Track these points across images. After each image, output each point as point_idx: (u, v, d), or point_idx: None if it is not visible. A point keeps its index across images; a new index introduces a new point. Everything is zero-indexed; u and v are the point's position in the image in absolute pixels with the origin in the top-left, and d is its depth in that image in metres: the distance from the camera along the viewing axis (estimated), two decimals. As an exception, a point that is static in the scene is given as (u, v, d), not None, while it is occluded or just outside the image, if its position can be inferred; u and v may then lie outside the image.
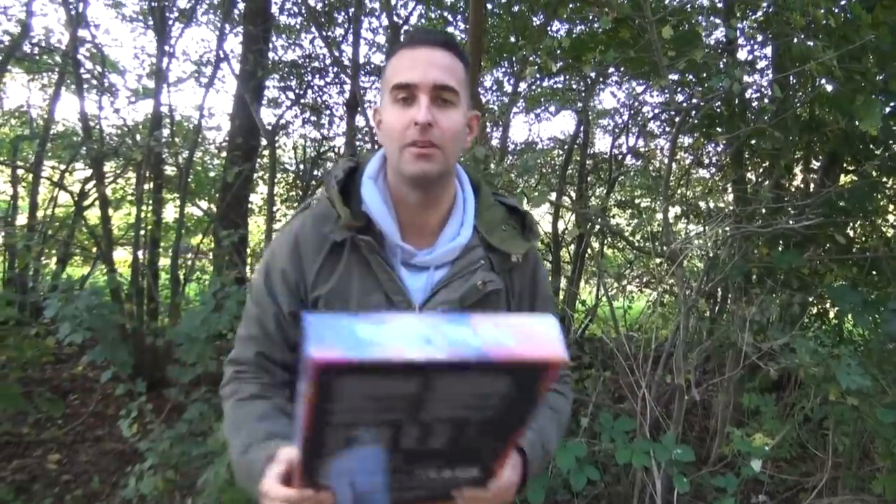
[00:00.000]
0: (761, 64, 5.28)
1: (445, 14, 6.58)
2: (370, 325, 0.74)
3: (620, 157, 7.08)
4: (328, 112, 7.13)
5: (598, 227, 5.67)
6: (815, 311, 4.60)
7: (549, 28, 5.54)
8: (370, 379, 0.73)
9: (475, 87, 4.65)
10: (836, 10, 3.60)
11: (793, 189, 4.89)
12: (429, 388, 0.76)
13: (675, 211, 5.23)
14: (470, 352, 0.74)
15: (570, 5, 5.09)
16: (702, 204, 5.27)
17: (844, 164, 4.71)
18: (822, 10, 3.06)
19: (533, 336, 0.77)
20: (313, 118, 7.12)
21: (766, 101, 4.61)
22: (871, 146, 4.20)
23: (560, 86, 6.70)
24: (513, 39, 5.79)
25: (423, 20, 7.00)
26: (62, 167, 6.49)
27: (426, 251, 1.29)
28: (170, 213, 6.02)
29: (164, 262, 5.68)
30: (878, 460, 3.39)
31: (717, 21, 4.44)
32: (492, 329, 0.77)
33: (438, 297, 1.26)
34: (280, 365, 1.32)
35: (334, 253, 1.27)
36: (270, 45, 6.55)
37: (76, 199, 6.10)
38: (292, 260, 1.29)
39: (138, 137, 5.48)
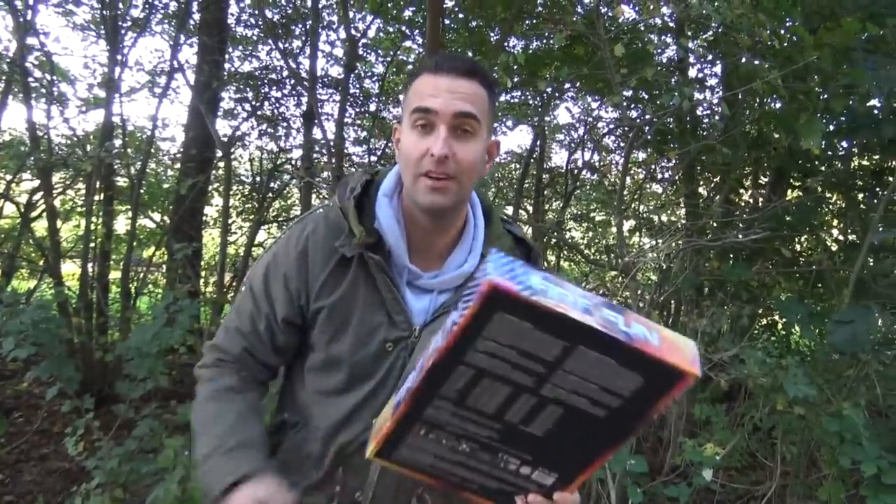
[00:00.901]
0: (711, 82, 5.44)
1: (403, 28, 6.61)
2: (543, 280, 0.79)
3: (576, 171, 7.18)
4: (285, 124, 7.07)
5: (554, 240, 5.73)
6: (764, 322, 4.72)
7: (505, 44, 5.61)
8: (527, 324, 0.78)
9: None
10: (783, 32, 3.73)
11: (742, 204, 5.03)
12: (569, 356, 0.80)
13: (629, 225, 5.33)
14: (622, 334, 0.78)
15: (526, 22, 5.16)
16: (655, 218, 5.37)
17: (791, 180, 4.86)
18: (768, 32, 3.16)
19: (677, 346, 0.81)
20: (270, 130, 7.06)
21: (716, 117, 4.74)
22: (816, 163, 4.35)
23: (516, 100, 6.77)
24: (470, 54, 5.83)
25: (381, 34, 7.01)
26: (8, 178, 6.30)
27: (432, 274, 1.29)
28: (121, 225, 5.89)
29: (115, 275, 5.56)
30: (824, 468, 3.49)
31: (669, 40, 4.56)
32: (642, 326, 0.81)
33: (436, 324, 1.25)
34: (262, 364, 1.35)
35: (341, 266, 1.27)
36: (226, 57, 6.48)
37: (22, 210, 5.93)
38: (298, 266, 1.29)
39: (89, 148, 5.35)
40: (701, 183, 5.25)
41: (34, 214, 5.59)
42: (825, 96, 3.70)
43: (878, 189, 4.28)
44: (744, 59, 3.69)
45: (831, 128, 4.15)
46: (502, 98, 6.50)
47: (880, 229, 3.44)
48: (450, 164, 1.17)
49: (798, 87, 3.50)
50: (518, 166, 7.79)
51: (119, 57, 5.31)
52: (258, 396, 1.36)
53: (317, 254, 1.28)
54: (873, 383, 3.29)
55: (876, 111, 3.90)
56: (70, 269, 6.07)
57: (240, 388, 1.31)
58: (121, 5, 5.46)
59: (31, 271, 6.73)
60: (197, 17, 6.29)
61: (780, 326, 4.73)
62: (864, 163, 4.74)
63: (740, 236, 3.80)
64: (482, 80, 1.22)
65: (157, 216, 6.42)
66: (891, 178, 3.63)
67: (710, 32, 4.42)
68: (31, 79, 5.06)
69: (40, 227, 5.87)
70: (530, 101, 6.80)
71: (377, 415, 1.18)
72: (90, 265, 5.15)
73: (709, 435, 3.55)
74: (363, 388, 1.27)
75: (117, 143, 5.46)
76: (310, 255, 1.28)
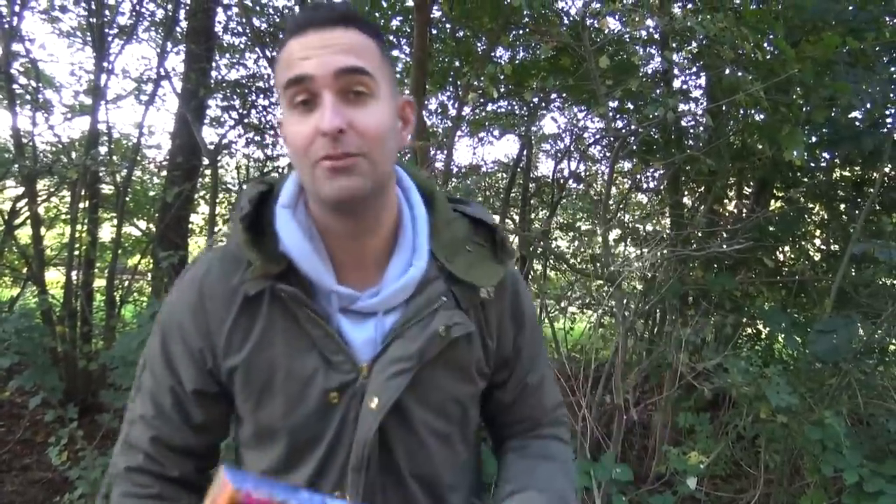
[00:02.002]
0: (696, 93, 5.49)
1: (391, 38, 6.63)
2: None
3: (562, 180, 7.22)
4: (272, 132, 7.07)
5: (540, 249, 5.76)
6: (748, 331, 4.76)
7: (493, 54, 5.64)
8: None
9: (419, 111, 4.70)
10: (765, 45, 3.79)
11: (726, 214, 5.08)
12: None
13: (614, 234, 5.36)
14: None
15: (513, 33, 5.20)
16: (640, 227, 5.41)
17: (774, 191, 4.92)
18: (751, 45, 3.20)
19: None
20: (257, 138, 7.05)
21: (700, 129, 4.79)
22: (798, 174, 4.40)
23: (503, 110, 6.81)
24: (457, 64, 5.86)
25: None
26: (-8, 184, 6.27)
27: (371, 292, 1.00)
28: (106, 232, 5.86)
29: (100, 283, 5.52)
30: (806, 476, 3.52)
31: (654, 52, 4.61)
32: None
33: (392, 352, 0.97)
34: (181, 451, 1.05)
35: (250, 308, 0.99)
36: (213, 64, 6.48)
37: (6, 217, 5.89)
38: (195, 320, 1.00)
39: (74, 155, 5.33)
40: (685, 193, 5.29)
41: (18, 222, 5.55)
42: (807, 108, 3.75)
43: (859, 200, 4.33)
44: (727, 72, 3.73)
45: (813, 139, 4.21)
46: (489, 108, 6.54)
47: (861, 240, 3.49)
48: (349, 137, 0.89)
49: (780, 99, 3.55)
50: (505, 175, 7.82)
51: (105, 64, 5.30)
52: None
53: (215, 299, 1.00)
54: (855, 392, 3.32)
55: (857, 123, 3.97)
56: (54, 277, 6.03)
57: None
58: (107, 13, 5.45)
59: (14, 279, 6.68)
60: (184, 24, 6.29)
61: (763, 336, 4.77)
62: (846, 174, 4.80)
63: (724, 246, 3.83)
64: (362, 26, 0.94)
65: (142, 224, 6.39)
66: (871, 190, 3.68)
67: (695, 45, 4.47)
68: (16, 85, 5.03)
69: (24, 235, 5.82)
70: (517, 111, 6.84)
71: (338, 488, 0.98)
72: (74, 273, 5.12)
73: (693, 443, 3.58)
74: (312, 459, 1.00)
75: (103, 150, 5.43)
76: (206, 301, 1.00)
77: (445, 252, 1.03)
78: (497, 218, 6.20)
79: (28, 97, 5.32)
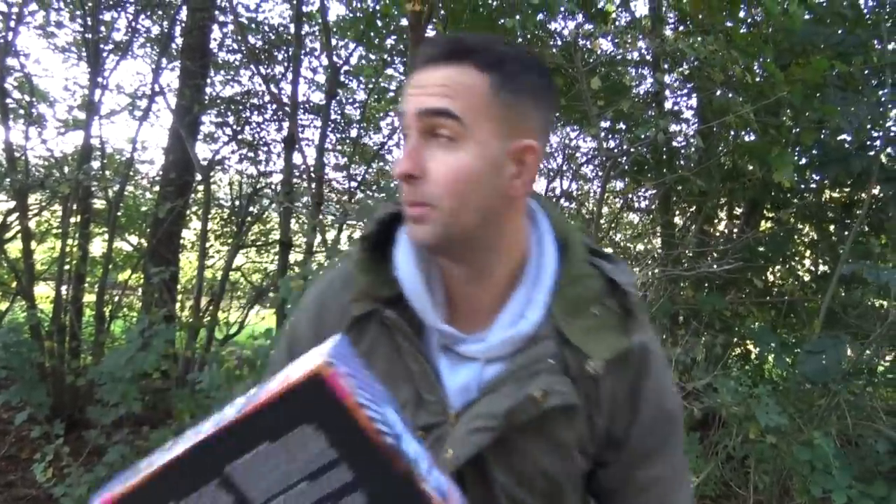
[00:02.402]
0: (687, 114, 5.55)
1: (385, 56, 6.68)
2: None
3: (555, 199, 7.24)
4: (266, 149, 7.09)
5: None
6: (737, 351, 4.77)
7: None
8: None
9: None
10: (755, 68, 3.84)
11: (717, 234, 5.11)
12: (234, 489, 0.60)
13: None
14: (230, 416, 0.60)
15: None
16: (631, 247, 5.43)
17: (764, 212, 4.96)
18: (741, 67, 3.25)
19: (297, 366, 0.62)
20: (250, 154, 7.07)
21: (691, 149, 4.83)
22: (788, 195, 4.44)
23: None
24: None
25: (363, 61, 7.08)
26: (-17, 198, 6.25)
27: (477, 337, 0.92)
28: (97, 247, 5.84)
29: (90, 298, 5.50)
30: (796, 497, 3.51)
31: (645, 73, 4.66)
32: (256, 389, 0.63)
33: (481, 406, 0.88)
34: None
35: (359, 326, 0.96)
36: (208, 81, 6.51)
37: (-3, 231, 5.87)
38: (313, 326, 1.01)
39: (66, 169, 5.33)
40: (676, 213, 5.33)
41: (8, 235, 5.52)
42: (796, 130, 3.80)
43: (848, 221, 4.37)
44: (718, 93, 3.78)
45: (803, 161, 4.25)
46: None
47: (850, 261, 3.51)
48: (421, 183, 0.84)
49: (770, 121, 3.59)
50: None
51: (100, 79, 5.32)
52: None
53: (331, 312, 0.99)
54: (843, 413, 3.33)
55: (847, 145, 4.01)
56: (44, 292, 6.00)
57: None
58: (103, 29, 5.48)
59: (3, 293, 6.63)
60: (179, 41, 6.32)
61: (753, 356, 4.78)
62: (836, 195, 4.84)
63: (715, 266, 3.86)
64: (477, 60, 0.85)
65: (134, 239, 6.38)
66: (860, 211, 3.72)
67: (686, 67, 4.53)
68: (9, 100, 5.04)
69: (14, 249, 5.80)
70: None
71: None
72: (64, 288, 5.10)
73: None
74: None
75: (95, 165, 5.44)
76: (324, 314, 1.00)
77: (565, 310, 0.91)
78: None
79: (21, 111, 5.32)
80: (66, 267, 5.09)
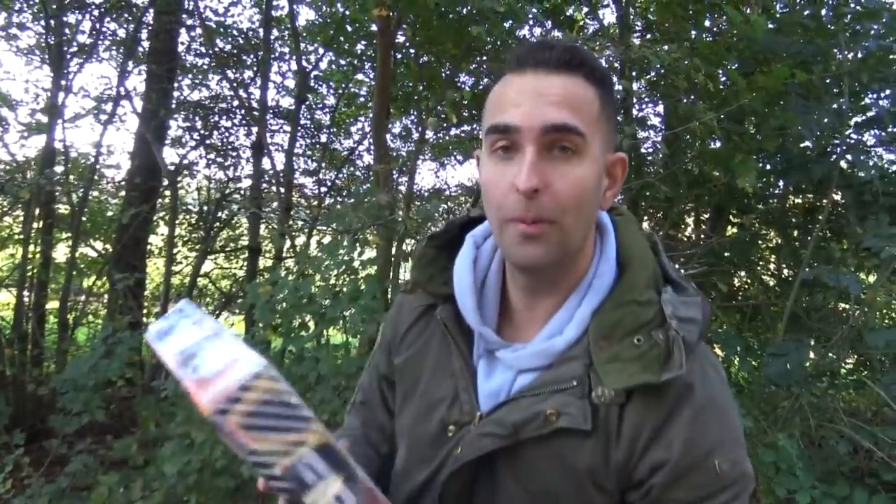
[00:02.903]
0: (654, 121, 5.62)
1: (355, 62, 6.67)
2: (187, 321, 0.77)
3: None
4: (234, 153, 7.04)
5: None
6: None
7: (456, 79, 5.70)
8: None
9: (382, 135, 4.72)
10: (719, 75, 3.90)
11: (683, 239, 5.18)
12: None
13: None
14: (184, 370, 0.71)
15: (474, 60, 5.27)
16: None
17: (729, 217, 5.03)
18: (703, 74, 3.30)
19: (223, 374, 0.68)
20: (219, 159, 7.01)
21: (659, 155, 4.89)
22: (752, 201, 4.51)
23: (465, 135, 6.87)
24: (421, 88, 5.92)
25: (333, 66, 7.07)
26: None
27: (518, 345, 0.93)
28: (61, 253, 5.74)
29: (53, 305, 5.39)
30: (761, 498, 3.56)
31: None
32: (217, 358, 0.71)
33: (498, 414, 0.89)
34: (381, 419, 1.16)
35: (424, 320, 1.05)
36: (176, 85, 6.44)
37: (-44, 237, 5.74)
38: (395, 317, 1.11)
39: (29, 174, 5.23)
40: (644, 218, 5.39)
41: (-32, 241, 5.41)
42: (759, 137, 3.86)
43: (810, 226, 4.46)
44: (683, 101, 3.83)
45: (767, 168, 4.33)
46: (452, 132, 6.59)
47: (812, 265, 3.58)
48: (544, 198, 0.82)
49: (733, 128, 3.65)
50: (468, 199, 7.88)
51: (63, 82, 5.23)
52: (374, 437, 1.15)
53: (407, 306, 1.09)
54: (807, 414, 3.39)
55: (808, 153, 4.09)
56: (4, 299, 5.88)
57: (359, 428, 1.17)
58: (67, 31, 5.39)
59: (-37, 300, 6.49)
60: (146, 44, 6.24)
61: (719, 359, 4.85)
62: (798, 201, 4.93)
63: (681, 270, 3.90)
64: (588, 72, 0.86)
65: (99, 245, 6.28)
66: (821, 217, 3.79)
67: (652, 74, 4.59)
68: (-31, 103, 4.94)
69: (-26, 255, 5.69)
70: (480, 136, 6.90)
71: None
72: (26, 294, 5.00)
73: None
74: (420, 476, 0.98)
75: (59, 169, 5.34)
76: (404, 306, 1.09)
77: (601, 334, 0.87)
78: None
79: (-18, 115, 5.22)
80: (28, 273, 4.99)
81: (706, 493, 0.82)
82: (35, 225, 5.06)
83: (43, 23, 5.48)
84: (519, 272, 0.93)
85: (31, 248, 5.01)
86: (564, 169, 0.83)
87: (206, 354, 0.70)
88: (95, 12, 5.67)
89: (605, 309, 0.89)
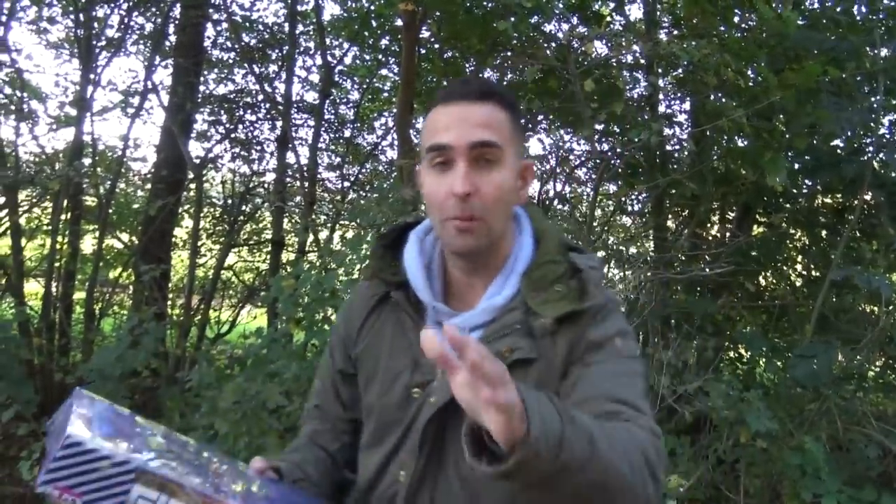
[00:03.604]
0: (681, 118, 5.55)
1: (379, 56, 6.67)
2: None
3: (548, 201, 7.24)
4: (259, 147, 7.07)
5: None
6: (729, 355, 4.77)
7: (480, 75, 5.68)
8: None
9: (406, 130, 4.71)
10: (749, 72, 3.84)
11: (709, 238, 5.11)
12: None
13: (598, 256, 5.38)
14: None
15: (501, 55, 5.24)
16: (624, 249, 5.43)
17: (757, 216, 4.96)
18: (733, 70, 3.25)
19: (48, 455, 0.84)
20: (243, 153, 7.05)
21: (685, 153, 4.83)
22: (781, 199, 4.44)
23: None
24: (445, 83, 5.90)
25: (357, 61, 7.07)
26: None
27: (463, 314, 1.16)
28: (88, 245, 5.81)
29: (80, 295, 5.46)
30: (786, 501, 3.51)
31: (639, 76, 4.65)
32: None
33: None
34: (334, 416, 1.32)
35: (376, 311, 1.25)
36: (202, 79, 6.48)
37: (-14, 227, 5.83)
38: (346, 316, 1.31)
39: (57, 166, 5.30)
40: (669, 216, 5.33)
41: (-2, 232, 5.49)
42: (788, 135, 3.80)
43: (839, 227, 4.38)
44: (711, 97, 3.78)
45: (796, 166, 4.26)
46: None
47: (841, 266, 3.52)
48: (474, 202, 1.07)
49: (762, 125, 3.59)
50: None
51: (92, 76, 5.29)
52: (329, 444, 1.30)
53: (361, 300, 1.29)
54: (834, 417, 3.34)
55: (839, 151, 4.02)
56: (33, 289, 5.96)
57: (310, 438, 1.31)
58: (96, 25, 5.45)
59: (-8, 290, 6.60)
60: (173, 38, 6.29)
61: (744, 360, 4.79)
62: (828, 200, 4.85)
63: (707, 270, 3.86)
64: (499, 100, 1.12)
65: (125, 237, 6.35)
66: (851, 217, 3.72)
67: (680, 70, 4.53)
68: (0, 95, 5.01)
69: (3, 245, 5.77)
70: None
71: (404, 468, 1.14)
72: (54, 285, 5.07)
73: (673, 466, 3.57)
74: (390, 440, 1.18)
75: (87, 161, 5.41)
76: (356, 302, 1.30)
77: (532, 286, 1.14)
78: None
79: (13, 107, 5.29)
80: (56, 264, 5.06)
81: (607, 348, 1.10)
82: (63, 216, 5.12)
83: (72, 17, 5.54)
84: (457, 257, 1.17)
85: (60, 239, 5.08)
86: (488, 176, 1.08)
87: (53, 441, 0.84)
88: (124, 6, 5.73)
89: (530, 269, 1.16)
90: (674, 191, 4.61)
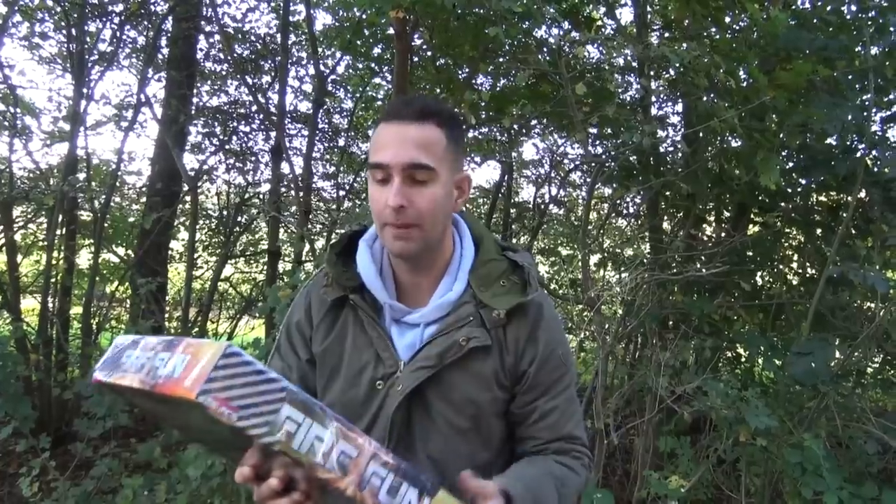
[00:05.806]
0: (674, 119, 5.57)
1: (372, 65, 6.69)
2: (131, 350, 0.87)
3: (543, 206, 7.26)
4: (253, 158, 7.08)
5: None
6: (728, 355, 4.77)
7: (473, 81, 5.70)
8: (125, 395, 0.89)
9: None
10: (741, 73, 3.85)
11: (705, 238, 5.12)
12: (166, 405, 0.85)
13: (594, 259, 5.38)
14: (151, 381, 0.80)
15: (492, 61, 5.25)
16: (619, 252, 5.44)
17: (751, 215, 4.97)
18: (723, 72, 3.26)
19: (193, 365, 0.79)
20: (238, 164, 7.05)
21: (678, 154, 4.84)
22: (775, 199, 4.45)
23: (483, 137, 6.86)
24: (438, 91, 5.92)
25: (350, 70, 7.08)
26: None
27: (418, 310, 1.29)
28: (84, 259, 5.80)
29: (76, 310, 5.45)
30: (787, 499, 3.51)
31: (630, 79, 4.67)
32: (180, 354, 0.81)
33: (422, 354, 1.25)
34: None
35: (334, 312, 1.33)
36: (195, 91, 6.49)
37: (-18, 244, 5.82)
38: (305, 313, 1.38)
39: (52, 181, 5.29)
40: (665, 218, 5.34)
41: (-7, 248, 5.48)
42: (782, 135, 3.81)
43: (834, 224, 4.39)
44: (705, 98, 3.79)
45: (789, 165, 4.27)
46: (470, 134, 6.58)
47: (837, 263, 3.52)
48: (408, 212, 1.17)
49: (754, 125, 3.60)
50: (486, 201, 7.87)
51: (85, 90, 5.29)
52: None
53: (315, 301, 1.36)
54: (833, 414, 3.34)
55: (833, 149, 4.02)
56: (30, 305, 5.95)
57: None
58: (88, 39, 5.45)
59: (-12, 307, 6.58)
60: (165, 51, 6.30)
61: (743, 359, 4.79)
62: (822, 199, 4.86)
63: (703, 270, 3.87)
64: (437, 120, 1.21)
65: (121, 250, 6.34)
66: (846, 214, 3.73)
67: (671, 72, 4.55)
68: (-7, 112, 5.01)
69: (-1, 262, 5.76)
70: (498, 137, 6.89)
71: None
72: (50, 300, 5.05)
73: (674, 467, 3.57)
74: None
75: (81, 176, 5.41)
76: (312, 304, 1.37)
77: (479, 283, 1.29)
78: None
79: (6, 123, 5.29)
80: (53, 279, 5.05)
81: (558, 374, 1.31)
82: (58, 231, 5.11)
83: (65, 32, 5.55)
84: (401, 260, 1.28)
85: (55, 254, 5.07)
86: (421, 191, 1.18)
87: (165, 361, 0.81)
88: (116, 20, 5.74)
89: (476, 268, 1.31)
90: (669, 192, 4.62)
